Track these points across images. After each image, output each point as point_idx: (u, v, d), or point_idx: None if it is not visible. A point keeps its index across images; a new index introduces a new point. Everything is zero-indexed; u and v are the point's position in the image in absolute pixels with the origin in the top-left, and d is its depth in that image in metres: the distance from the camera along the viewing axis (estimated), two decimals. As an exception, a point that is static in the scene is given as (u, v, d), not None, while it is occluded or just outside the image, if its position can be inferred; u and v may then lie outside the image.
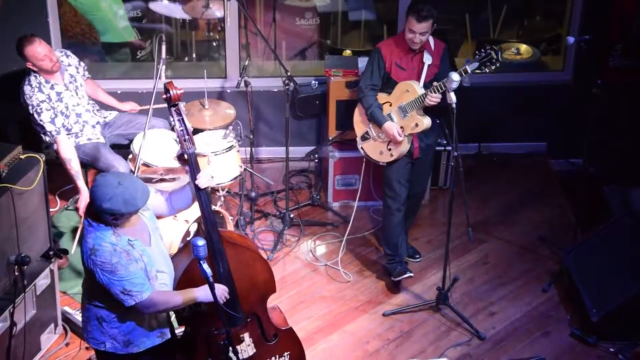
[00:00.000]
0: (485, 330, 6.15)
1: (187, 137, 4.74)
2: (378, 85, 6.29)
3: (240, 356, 4.90)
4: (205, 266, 4.34)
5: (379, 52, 6.30)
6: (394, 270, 6.48)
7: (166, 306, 4.60)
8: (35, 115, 6.41)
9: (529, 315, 6.32)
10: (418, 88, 6.13)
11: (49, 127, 6.41)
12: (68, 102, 6.51)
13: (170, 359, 4.99)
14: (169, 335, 4.80)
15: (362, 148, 6.50)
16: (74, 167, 6.46)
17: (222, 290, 4.67)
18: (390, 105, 6.25)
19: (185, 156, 5.02)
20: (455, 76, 5.79)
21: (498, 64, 5.96)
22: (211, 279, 4.35)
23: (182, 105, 4.80)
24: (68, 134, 6.51)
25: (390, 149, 6.32)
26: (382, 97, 6.29)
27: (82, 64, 6.78)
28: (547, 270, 6.70)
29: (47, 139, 6.51)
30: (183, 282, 4.77)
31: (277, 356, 5.16)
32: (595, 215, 6.97)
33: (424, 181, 6.74)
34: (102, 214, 4.41)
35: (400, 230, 6.50)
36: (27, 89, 6.42)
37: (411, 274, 6.43)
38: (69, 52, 6.73)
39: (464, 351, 6.00)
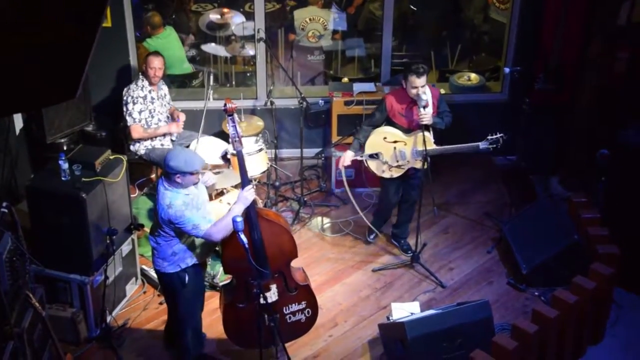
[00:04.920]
0: (446, 281, 6.17)
1: (237, 139, 4.79)
2: (375, 124, 6.03)
3: (268, 300, 4.94)
4: (242, 236, 4.39)
5: (384, 102, 6.00)
6: (370, 234, 6.65)
7: (219, 229, 4.60)
8: (130, 104, 6.43)
9: (477, 270, 6.33)
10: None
11: (135, 115, 6.44)
12: (156, 107, 6.56)
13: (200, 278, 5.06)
14: (196, 260, 4.83)
15: (366, 161, 6.07)
16: (147, 134, 6.53)
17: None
18: (405, 144, 5.97)
19: (229, 155, 5.10)
20: (424, 95, 5.73)
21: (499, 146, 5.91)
22: (247, 245, 4.38)
23: (236, 116, 4.86)
24: (147, 127, 6.54)
25: (392, 171, 6.08)
26: (399, 136, 5.98)
27: (169, 95, 6.84)
28: (491, 237, 6.70)
29: (128, 123, 6.48)
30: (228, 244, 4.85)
31: (297, 303, 5.14)
32: (525, 197, 6.99)
33: (414, 194, 6.21)
34: (169, 173, 4.49)
35: (384, 215, 6.54)
36: (133, 85, 6.51)
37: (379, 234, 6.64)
38: (164, 85, 6.79)
39: (430, 296, 6.03)
